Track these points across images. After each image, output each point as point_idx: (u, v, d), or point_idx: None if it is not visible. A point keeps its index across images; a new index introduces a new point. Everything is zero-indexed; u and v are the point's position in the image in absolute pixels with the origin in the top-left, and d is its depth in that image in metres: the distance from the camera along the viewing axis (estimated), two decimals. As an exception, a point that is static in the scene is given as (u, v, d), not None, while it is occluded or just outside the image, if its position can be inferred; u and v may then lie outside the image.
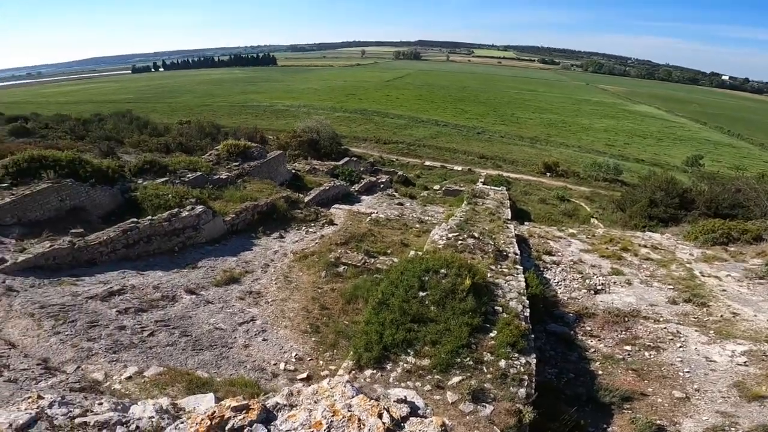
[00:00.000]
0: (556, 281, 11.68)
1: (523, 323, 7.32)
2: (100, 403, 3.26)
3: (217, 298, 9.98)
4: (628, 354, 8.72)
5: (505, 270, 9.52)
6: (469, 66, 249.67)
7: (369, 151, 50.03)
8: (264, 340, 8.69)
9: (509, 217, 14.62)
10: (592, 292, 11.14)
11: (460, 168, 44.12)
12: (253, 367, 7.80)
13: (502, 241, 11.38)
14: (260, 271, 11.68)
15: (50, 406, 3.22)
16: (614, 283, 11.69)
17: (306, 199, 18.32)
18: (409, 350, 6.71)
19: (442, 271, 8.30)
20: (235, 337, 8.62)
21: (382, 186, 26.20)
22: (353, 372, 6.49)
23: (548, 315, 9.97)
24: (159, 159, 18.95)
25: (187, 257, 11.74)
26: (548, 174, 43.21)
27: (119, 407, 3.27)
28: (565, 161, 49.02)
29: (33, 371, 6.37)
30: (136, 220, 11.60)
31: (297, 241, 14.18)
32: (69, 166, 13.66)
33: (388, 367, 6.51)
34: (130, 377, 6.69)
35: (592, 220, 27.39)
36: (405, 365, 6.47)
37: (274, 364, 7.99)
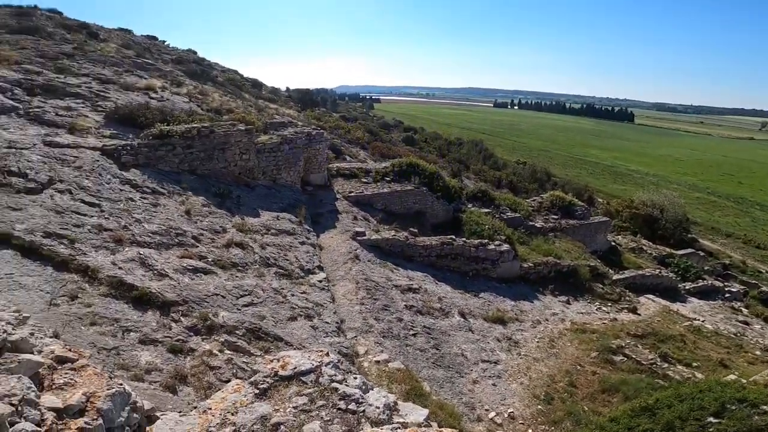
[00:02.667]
0: None
1: None
2: (355, 378, 3.80)
3: (479, 330, 10.50)
4: None
5: None
6: None
7: (727, 250, 38.08)
8: (494, 384, 8.72)
9: None
10: None
11: None
12: (466, 402, 7.96)
13: None
14: (529, 324, 11.50)
15: (327, 364, 3.81)
16: None
17: (614, 277, 16.18)
18: (639, 466, 5.52)
19: (764, 407, 6.37)
20: (471, 370, 8.93)
21: (727, 296, 19.57)
22: (556, 457, 5.77)
23: None
24: (489, 191, 21.38)
25: (474, 284, 12.80)
26: None
27: (363, 387, 3.68)
28: None
29: (330, 326, 7.94)
30: (453, 237, 13.63)
31: (582, 313, 13.06)
32: (429, 177, 17.41)
33: (600, 473, 5.52)
34: (378, 362, 7.71)
35: None
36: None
37: (486, 410, 7.94)
